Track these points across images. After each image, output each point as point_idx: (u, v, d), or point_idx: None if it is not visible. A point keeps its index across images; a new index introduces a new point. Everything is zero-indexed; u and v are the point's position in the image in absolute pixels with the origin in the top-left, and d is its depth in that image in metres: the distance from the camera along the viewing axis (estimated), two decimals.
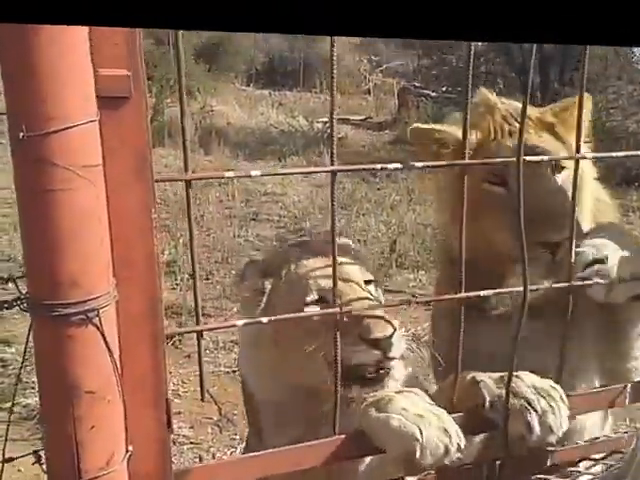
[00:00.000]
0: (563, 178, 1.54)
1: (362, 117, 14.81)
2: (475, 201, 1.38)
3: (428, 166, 1.25)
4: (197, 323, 1.05)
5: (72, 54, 0.81)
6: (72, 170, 0.80)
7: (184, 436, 3.50)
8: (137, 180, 0.90)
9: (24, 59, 0.79)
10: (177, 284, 5.12)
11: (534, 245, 1.38)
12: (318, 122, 13.08)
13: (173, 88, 11.36)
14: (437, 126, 1.66)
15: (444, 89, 13.62)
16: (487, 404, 1.24)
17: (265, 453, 1.15)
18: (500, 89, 11.84)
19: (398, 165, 1.18)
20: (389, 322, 1.38)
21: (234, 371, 3.98)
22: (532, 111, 1.60)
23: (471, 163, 1.20)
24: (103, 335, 0.85)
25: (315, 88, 17.08)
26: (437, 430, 1.17)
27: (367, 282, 1.50)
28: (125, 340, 0.93)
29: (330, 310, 1.17)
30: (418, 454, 1.14)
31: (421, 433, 1.15)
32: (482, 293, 1.25)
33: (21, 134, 0.78)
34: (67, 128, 0.79)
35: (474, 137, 1.52)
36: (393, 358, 1.35)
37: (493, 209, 1.53)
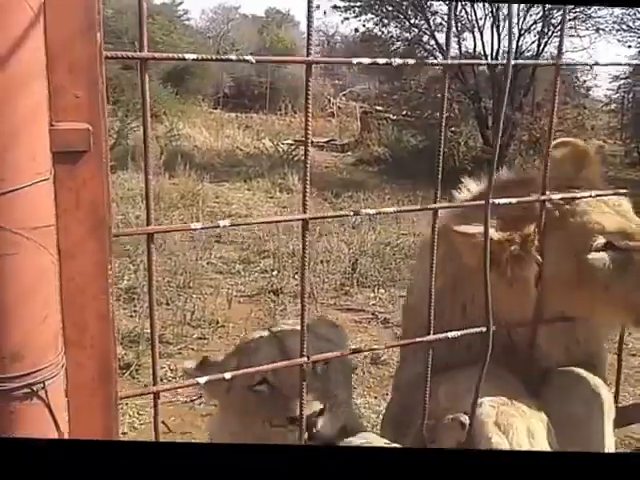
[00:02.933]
0: None
1: (326, 139, 14.98)
2: (576, 268, 1.37)
3: (399, 211, 1.22)
4: (154, 383, 1.00)
5: (27, 111, 0.75)
6: (20, 233, 0.74)
7: None
8: (92, 238, 0.84)
9: None
10: (135, 311, 5.00)
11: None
12: (283, 144, 13.18)
13: (139, 112, 11.26)
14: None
15: (404, 113, 13.86)
16: None
17: None
18: (455, 114, 12.14)
19: (370, 211, 1.15)
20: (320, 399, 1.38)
21: (192, 400, 3.92)
22: None
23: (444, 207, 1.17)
24: (50, 409, 0.79)
25: (280, 111, 17.20)
26: None
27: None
28: (74, 409, 0.87)
29: (297, 360, 1.13)
30: None
31: None
32: (450, 335, 1.23)
33: None
34: (17, 189, 0.73)
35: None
36: (321, 436, 1.33)
37: (598, 280, 1.40)
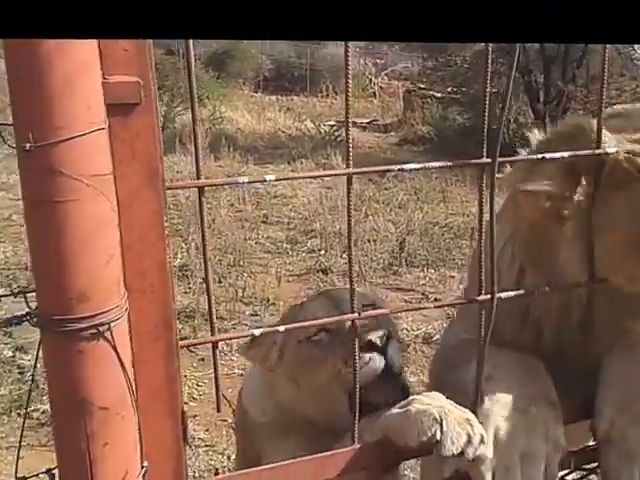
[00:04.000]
0: None
1: (368, 120, 14.85)
2: None
3: (444, 166, 1.20)
4: (212, 333, 1.02)
5: (80, 62, 0.78)
6: (80, 180, 0.78)
7: (199, 439, 3.52)
8: (148, 188, 0.87)
9: (30, 68, 0.77)
10: (190, 288, 5.15)
11: None
12: (325, 125, 13.15)
13: (184, 96, 11.53)
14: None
15: (449, 90, 13.57)
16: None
17: (285, 464, 1.12)
18: (504, 89, 11.76)
19: (415, 165, 1.13)
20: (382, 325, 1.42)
21: None
22: None
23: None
24: (115, 349, 0.83)
25: (321, 92, 17.15)
26: (459, 418, 1.13)
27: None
28: (138, 353, 0.91)
29: (349, 316, 1.14)
30: (438, 436, 1.10)
31: (441, 420, 1.11)
32: (504, 294, 1.21)
33: (28, 145, 0.76)
34: (74, 137, 0.77)
35: None
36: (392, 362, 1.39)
37: None
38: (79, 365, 0.82)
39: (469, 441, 1.11)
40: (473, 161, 1.15)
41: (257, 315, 4.90)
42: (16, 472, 0.98)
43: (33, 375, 0.95)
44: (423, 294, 5.52)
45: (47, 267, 0.80)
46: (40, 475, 1.00)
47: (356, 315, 1.13)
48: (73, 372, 0.82)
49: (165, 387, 0.93)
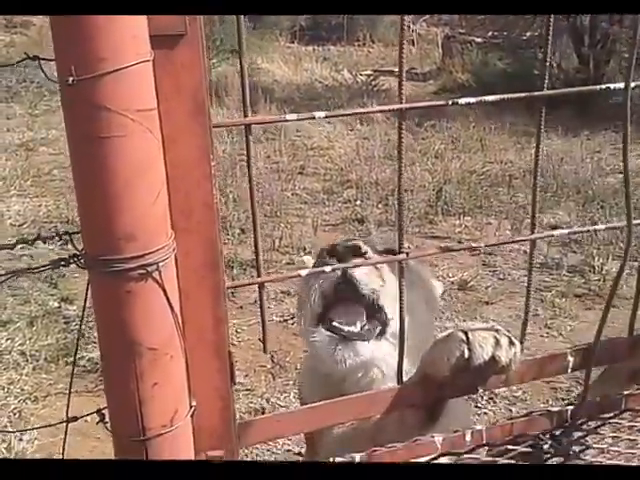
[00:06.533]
0: None
1: (406, 68, 14.46)
2: None
3: (500, 99, 1.12)
4: (258, 275, 1.01)
5: None
6: (126, 115, 0.75)
7: (239, 383, 3.67)
8: (194, 124, 0.84)
9: None
10: (229, 239, 5.21)
11: None
12: (362, 75, 12.91)
13: (219, 48, 11.34)
14: None
15: (490, 34, 13.09)
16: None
17: (326, 403, 1.11)
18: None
19: (471, 99, 1.07)
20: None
21: (285, 320, 4.23)
22: None
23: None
24: (164, 289, 0.81)
25: (358, 41, 16.77)
26: (484, 328, 1.15)
27: None
28: (186, 294, 0.89)
29: (397, 257, 1.11)
30: (467, 353, 1.11)
31: (466, 334, 1.13)
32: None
33: (70, 78, 0.73)
34: (119, 69, 0.73)
35: None
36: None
37: None
38: (128, 306, 0.81)
39: (497, 344, 1.12)
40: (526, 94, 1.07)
41: (293, 264, 4.97)
42: (67, 412, 0.99)
43: (82, 320, 0.94)
44: (459, 241, 5.57)
45: (93, 206, 0.78)
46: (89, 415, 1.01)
47: (404, 256, 1.10)
48: (122, 313, 0.81)
49: (212, 328, 0.93)
